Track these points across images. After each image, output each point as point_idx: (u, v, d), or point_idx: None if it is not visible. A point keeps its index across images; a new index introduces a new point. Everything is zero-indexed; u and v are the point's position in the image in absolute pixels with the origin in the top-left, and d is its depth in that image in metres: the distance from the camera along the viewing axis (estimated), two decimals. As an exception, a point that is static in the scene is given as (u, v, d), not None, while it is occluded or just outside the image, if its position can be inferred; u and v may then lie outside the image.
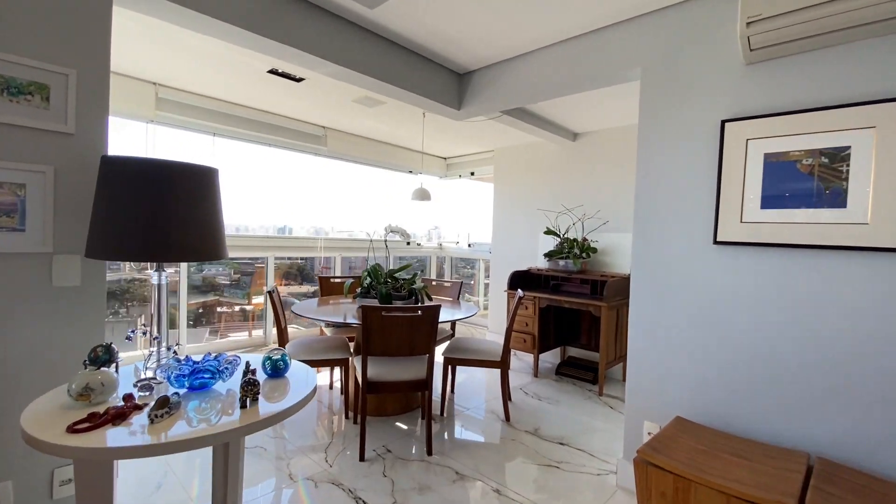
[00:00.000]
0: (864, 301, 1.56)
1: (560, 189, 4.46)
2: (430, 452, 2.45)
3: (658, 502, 1.54)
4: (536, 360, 3.99)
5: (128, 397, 1.19)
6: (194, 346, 4.10)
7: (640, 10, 2.14)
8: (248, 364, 1.33)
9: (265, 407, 1.26)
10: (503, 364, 2.92)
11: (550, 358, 4.40)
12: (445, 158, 5.99)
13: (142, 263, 3.19)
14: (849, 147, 1.58)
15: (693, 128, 1.97)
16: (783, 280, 1.73)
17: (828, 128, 1.61)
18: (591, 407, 3.25)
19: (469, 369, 3.96)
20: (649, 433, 2.10)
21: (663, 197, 2.07)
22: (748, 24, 1.57)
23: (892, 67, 1.51)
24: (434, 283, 4.05)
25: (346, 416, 2.91)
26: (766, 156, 1.75)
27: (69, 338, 1.58)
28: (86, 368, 1.26)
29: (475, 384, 3.69)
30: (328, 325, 3.45)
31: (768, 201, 1.74)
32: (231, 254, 4.33)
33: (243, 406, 1.23)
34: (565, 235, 4.13)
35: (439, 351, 3.15)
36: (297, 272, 5.22)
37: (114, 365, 1.37)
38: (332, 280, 3.96)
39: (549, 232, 4.15)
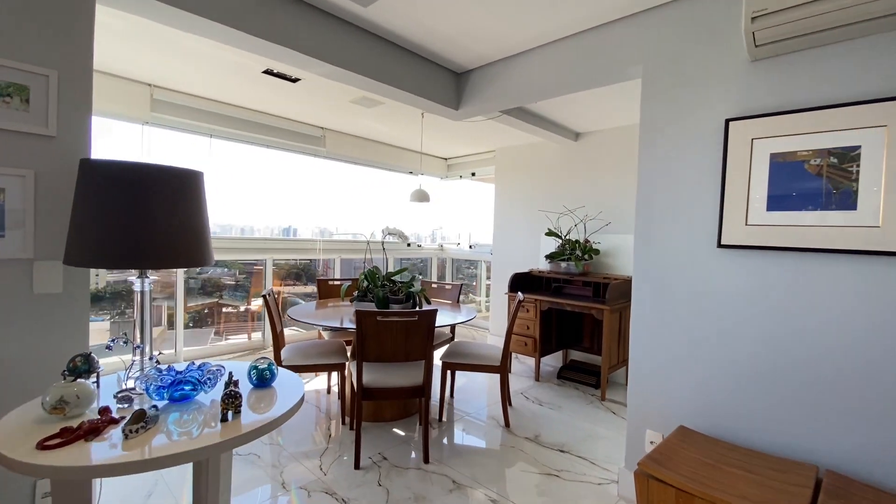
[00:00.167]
0: (875, 308, 1.49)
1: (562, 190, 4.40)
2: (426, 460, 2.40)
3: (660, 517, 1.48)
4: (538, 363, 3.92)
5: (103, 410, 1.14)
6: (194, 349, 4.07)
7: (641, 6, 2.08)
8: (230, 375, 1.28)
9: (249, 419, 1.21)
10: (502, 369, 2.86)
11: (552, 361, 4.34)
12: (446, 159, 5.94)
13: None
14: (859, 147, 1.51)
15: (696, 127, 1.91)
16: (791, 286, 1.66)
17: (837, 127, 1.54)
18: (593, 412, 3.19)
19: (470, 372, 3.90)
20: (652, 442, 2.04)
21: (665, 199, 2.01)
22: (753, 18, 1.50)
23: (905, 63, 1.44)
24: (434, 285, 4.00)
25: (343, 422, 2.87)
26: (773, 156, 1.68)
27: (51, 347, 1.53)
28: (64, 379, 1.22)
29: (476, 388, 3.64)
30: (325, 328, 3.40)
31: (775, 203, 1.67)
32: (229, 257, 4.29)
33: (224, 420, 1.18)
34: (567, 237, 4.06)
35: (438, 354, 3.10)
36: (302, 272, 5.20)
37: (94, 375, 1.33)
38: (330, 282, 3.92)
39: (550, 233, 4.08)
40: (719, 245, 1.82)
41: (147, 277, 1.44)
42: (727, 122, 1.79)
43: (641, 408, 2.08)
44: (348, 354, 2.88)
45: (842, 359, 1.55)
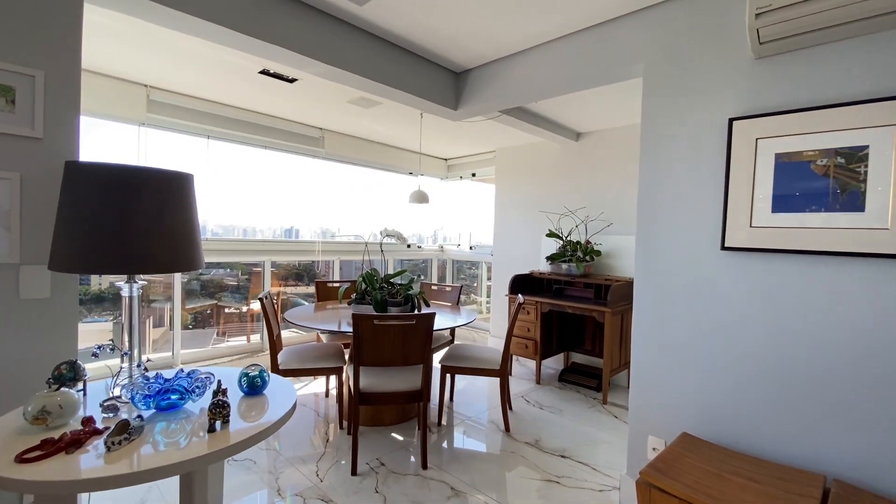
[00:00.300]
0: (885, 314, 1.44)
1: (563, 190, 4.35)
2: (425, 466, 2.36)
3: (662, 528, 1.44)
4: (539, 366, 3.88)
5: (86, 421, 1.11)
6: (193, 351, 4.03)
7: (642, 4, 2.03)
8: (219, 383, 1.24)
9: (238, 428, 1.18)
10: (502, 373, 2.82)
11: (553, 364, 4.29)
12: (446, 160, 5.90)
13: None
14: (867, 146, 1.46)
15: (699, 126, 1.86)
16: (796, 289, 1.62)
17: (844, 126, 1.50)
18: (595, 416, 3.14)
19: (470, 375, 3.86)
20: (654, 448, 1.99)
21: (667, 200, 1.96)
22: (757, 15, 1.46)
23: (915, 60, 1.40)
24: (434, 287, 3.96)
25: (341, 426, 2.83)
26: (778, 156, 1.64)
27: (38, 353, 1.50)
28: (49, 387, 1.18)
29: (476, 391, 3.59)
30: (323, 331, 3.37)
31: (780, 205, 1.63)
32: (226, 259, 4.26)
33: (212, 430, 1.14)
34: (568, 238, 4.02)
35: (438, 357, 3.06)
36: (304, 272, 5.18)
37: (80, 383, 1.29)
38: (329, 284, 3.89)
39: (551, 234, 4.04)
40: (723, 247, 1.77)
41: (135, 282, 1.41)
42: (731, 121, 1.74)
43: (643, 413, 2.04)
44: (346, 358, 2.84)
45: (851, 366, 1.51)
